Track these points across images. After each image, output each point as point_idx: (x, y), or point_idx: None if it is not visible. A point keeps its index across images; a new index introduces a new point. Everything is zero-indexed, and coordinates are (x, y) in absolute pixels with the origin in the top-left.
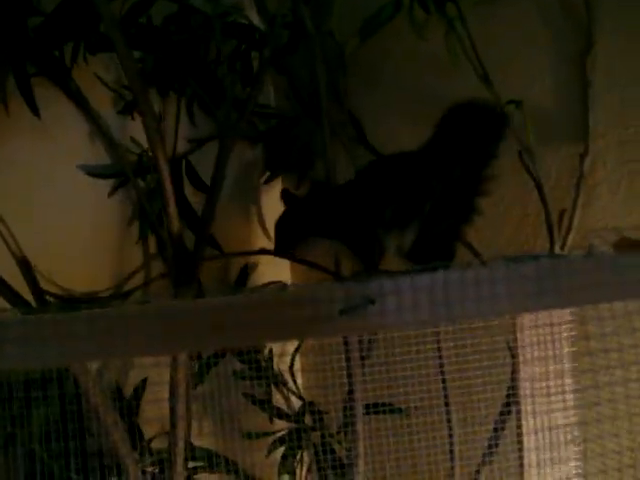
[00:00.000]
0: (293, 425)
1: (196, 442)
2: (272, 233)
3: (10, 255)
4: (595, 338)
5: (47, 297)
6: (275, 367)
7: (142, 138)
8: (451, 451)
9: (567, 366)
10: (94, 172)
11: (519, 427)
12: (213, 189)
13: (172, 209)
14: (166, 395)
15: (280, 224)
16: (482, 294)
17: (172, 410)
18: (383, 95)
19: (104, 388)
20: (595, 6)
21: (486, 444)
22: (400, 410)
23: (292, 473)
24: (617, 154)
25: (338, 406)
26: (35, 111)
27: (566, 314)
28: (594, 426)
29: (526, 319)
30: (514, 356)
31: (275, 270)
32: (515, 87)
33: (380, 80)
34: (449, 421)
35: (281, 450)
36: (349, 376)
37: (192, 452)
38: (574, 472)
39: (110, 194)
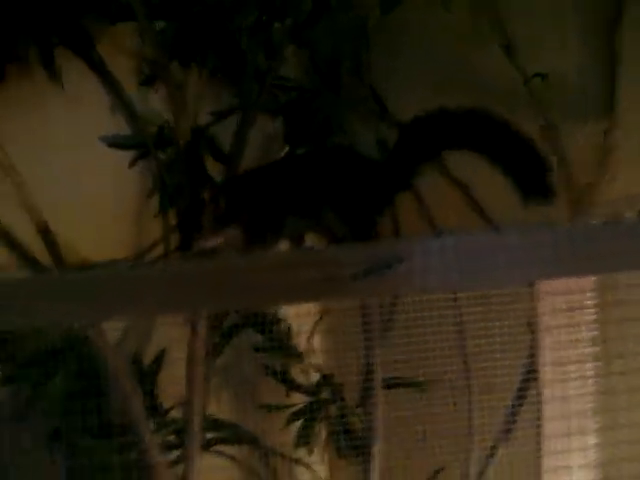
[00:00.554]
0: (310, 398)
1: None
2: None
3: (27, 223)
4: (622, 305)
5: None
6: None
7: (163, 110)
8: (470, 419)
9: (589, 335)
10: (115, 143)
11: (538, 396)
12: (233, 161)
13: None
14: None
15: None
16: (511, 260)
17: (189, 379)
18: (406, 68)
19: (124, 356)
20: None
21: (505, 414)
22: (419, 383)
23: (309, 446)
24: None
25: (356, 379)
26: (57, 80)
27: (590, 281)
28: (618, 397)
29: (548, 286)
30: (533, 323)
31: None
32: (541, 60)
33: (403, 53)
34: (469, 392)
35: (299, 423)
36: (367, 348)
37: (210, 423)
38: (593, 442)
39: (130, 165)
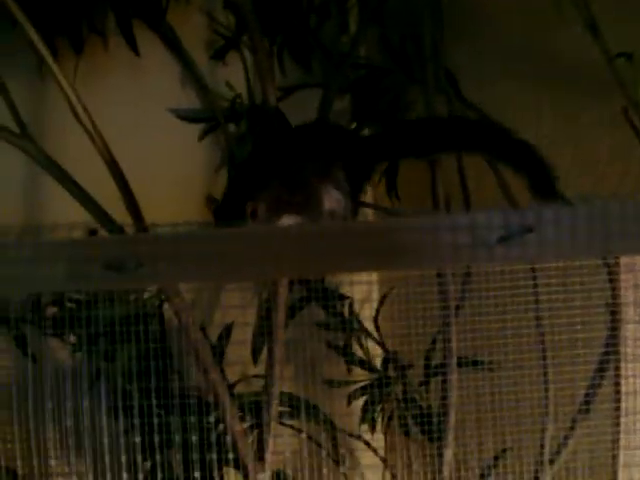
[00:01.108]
0: (374, 375)
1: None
2: None
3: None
4: None
5: None
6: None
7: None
8: (546, 394)
9: None
10: (185, 116)
11: (617, 370)
12: None
13: None
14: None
15: None
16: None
17: (270, 352)
18: (480, 48)
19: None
20: None
21: (584, 391)
22: (491, 364)
23: (373, 423)
24: None
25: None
26: (135, 49)
27: None
28: None
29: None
30: (615, 297)
31: None
32: (625, 39)
33: (478, 32)
34: (545, 372)
35: (362, 400)
36: (445, 325)
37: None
38: None
39: (200, 138)
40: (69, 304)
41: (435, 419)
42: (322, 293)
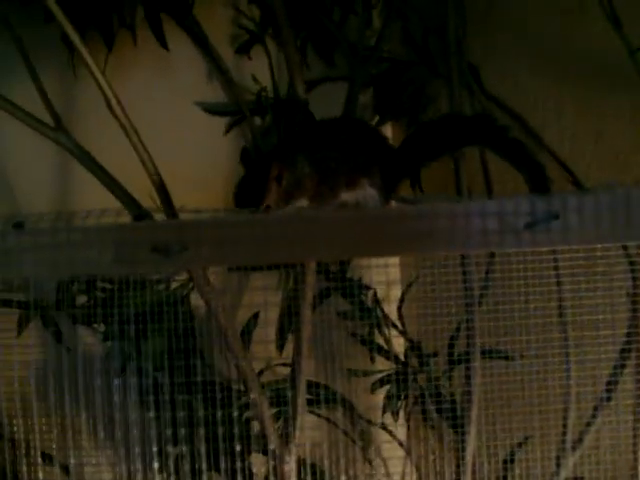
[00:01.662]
0: (397, 366)
1: None
2: None
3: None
4: None
5: None
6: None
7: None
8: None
9: None
10: (211, 109)
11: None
12: None
13: None
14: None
15: None
16: None
17: (297, 337)
18: (503, 41)
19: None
20: None
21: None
22: (515, 356)
23: (396, 413)
24: None
25: (443, 347)
26: (163, 44)
27: None
28: None
29: None
30: (636, 286)
31: None
32: None
33: (500, 26)
34: (567, 360)
35: (385, 390)
36: (469, 312)
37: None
38: None
39: (226, 132)
40: (99, 293)
41: (458, 407)
42: (345, 282)
